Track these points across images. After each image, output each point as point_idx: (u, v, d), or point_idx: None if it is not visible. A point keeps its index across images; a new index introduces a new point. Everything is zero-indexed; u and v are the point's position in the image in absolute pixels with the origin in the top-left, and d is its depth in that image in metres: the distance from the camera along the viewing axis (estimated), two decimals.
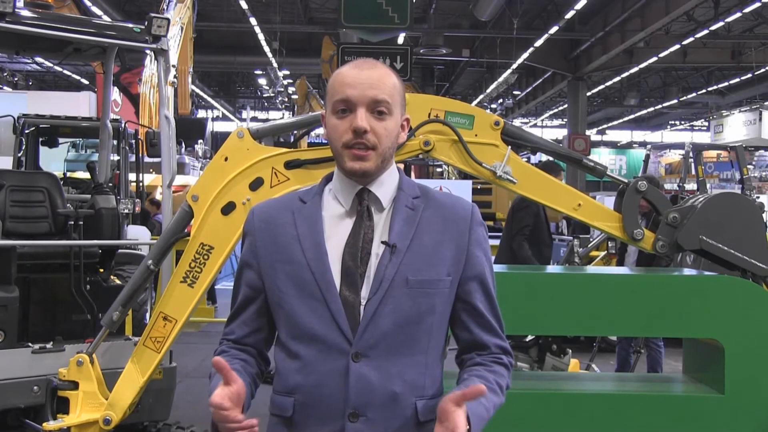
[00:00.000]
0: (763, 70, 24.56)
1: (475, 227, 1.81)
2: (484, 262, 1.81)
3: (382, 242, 1.72)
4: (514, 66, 24.64)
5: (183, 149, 20.19)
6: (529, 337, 5.36)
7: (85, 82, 30.70)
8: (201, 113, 38.97)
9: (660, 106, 34.10)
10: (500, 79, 26.51)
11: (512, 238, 6.45)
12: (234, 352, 1.82)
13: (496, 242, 9.87)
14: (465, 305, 1.79)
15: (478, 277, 1.79)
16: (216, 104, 37.33)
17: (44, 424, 3.86)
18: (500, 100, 32.88)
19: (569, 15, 19.70)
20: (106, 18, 17.79)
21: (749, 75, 25.71)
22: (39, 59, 24.91)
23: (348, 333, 1.67)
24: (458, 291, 1.78)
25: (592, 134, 39.04)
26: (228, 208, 3.56)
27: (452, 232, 1.77)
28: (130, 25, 4.83)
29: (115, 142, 7.82)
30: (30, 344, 4.70)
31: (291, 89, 30.46)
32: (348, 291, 1.69)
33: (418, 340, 1.72)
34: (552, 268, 5.31)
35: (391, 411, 1.67)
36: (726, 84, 28.79)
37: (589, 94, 29.66)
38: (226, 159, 3.58)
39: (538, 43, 21.72)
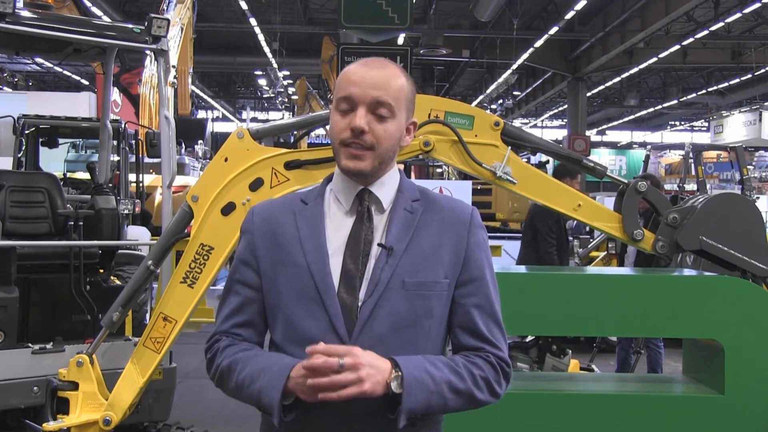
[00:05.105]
0: (763, 71, 24.55)
1: (475, 230, 1.78)
2: (484, 265, 1.78)
3: (378, 245, 1.71)
4: (514, 66, 24.64)
5: (183, 150, 20.14)
6: (529, 338, 5.36)
7: (85, 82, 30.70)
8: (201, 114, 38.95)
9: (660, 107, 34.08)
10: (500, 80, 26.49)
11: (541, 249, 6.36)
12: (247, 344, 1.78)
13: (496, 243, 9.84)
14: (460, 309, 1.75)
15: (476, 280, 1.76)
16: (216, 105, 37.34)
17: (44, 425, 3.85)
18: (500, 101, 32.89)
19: (569, 15, 19.70)
20: (106, 18, 17.78)
21: (749, 75, 25.69)
22: (39, 60, 24.93)
23: (344, 336, 1.66)
24: (455, 294, 1.75)
25: (592, 135, 39.06)
26: (228, 209, 3.56)
27: (451, 235, 1.76)
28: (130, 26, 4.83)
29: (115, 142, 7.82)
30: (30, 345, 4.70)
31: (291, 90, 30.47)
32: (346, 294, 1.68)
33: (415, 343, 1.70)
34: (552, 268, 5.31)
35: (384, 410, 1.63)
36: (726, 84, 28.78)
37: (589, 94, 29.68)
38: (226, 159, 3.58)
39: (538, 43, 21.73)
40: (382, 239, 1.72)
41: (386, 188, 1.77)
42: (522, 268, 5.33)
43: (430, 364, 1.64)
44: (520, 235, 7.27)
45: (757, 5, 18.26)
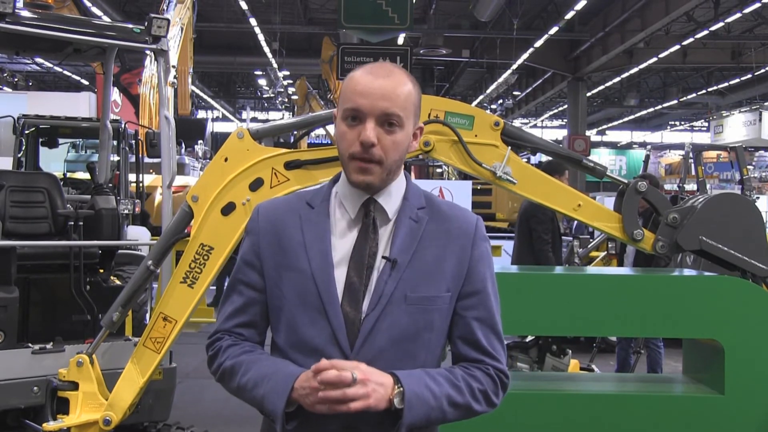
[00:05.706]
0: (763, 71, 24.56)
1: (479, 242, 1.78)
2: (486, 278, 1.78)
3: (383, 257, 1.71)
4: (514, 66, 24.64)
5: (183, 150, 20.15)
6: (529, 338, 5.36)
7: (85, 82, 30.72)
8: (201, 114, 38.95)
9: (660, 107, 34.10)
10: (500, 80, 26.50)
11: (537, 248, 6.37)
12: (249, 345, 1.79)
13: (496, 243, 9.82)
14: (461, 321, 1.76)
15: (479, 293, 1.77)
16: (216, 105, 37.34)
17: (44, 425, 3.85)
18: (500, 101, 32.91)
19: (569, 15, 19.70)
20: (106, 18, 17.78)
21: (749, 75, 25.70)
22: (39, 60, 24.94)
23: (346, 348, 1.66)
24: (456, 306, 1.76)
25: (592, 135, 39.06)
26: (228, 209, 3.56)
27: (455, 247, 1.75)
28: (130, 26, 4.83)
29: (115, 142, 7.83)
30: (30, 345, 4.70)
31: (291, 90, 30.48)
32: (350, 306, 1.68)
33: (415, 356, 1.71)
34: (551, 268, 5.30)
35: (386, 424, 1.64)
36: (726, 84, 28.79)
37: (589, 94, 29.68)
38: (226, 159, 3.58)
39: (538, 43, 21.73)
40: (387, 250, 1.72)
41: (393, 198, 1.76)
42: (522, 269, 5.33)
43: (431, 379, 1.66)
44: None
45: (757, 5, 18.26)
